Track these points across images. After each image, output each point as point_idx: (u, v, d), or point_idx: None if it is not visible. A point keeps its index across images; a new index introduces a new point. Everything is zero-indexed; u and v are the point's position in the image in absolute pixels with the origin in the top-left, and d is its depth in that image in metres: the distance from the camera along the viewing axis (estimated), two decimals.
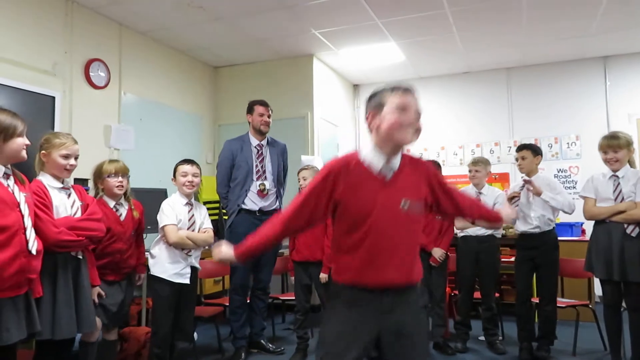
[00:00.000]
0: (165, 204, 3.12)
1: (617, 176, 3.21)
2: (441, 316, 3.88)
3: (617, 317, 3.23)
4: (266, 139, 3.94)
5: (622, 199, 3.15)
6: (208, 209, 5.10)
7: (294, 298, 4.11)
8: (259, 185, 3.80)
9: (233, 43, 5.28)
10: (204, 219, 3.25)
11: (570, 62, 5.97)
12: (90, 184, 3.15)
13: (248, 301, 3.90)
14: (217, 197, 4.28)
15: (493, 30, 5.02)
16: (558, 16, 4.68)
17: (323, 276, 3.59)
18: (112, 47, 4.59)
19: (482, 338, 4.09)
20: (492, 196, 3.93)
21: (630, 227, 3.10)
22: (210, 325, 4.16)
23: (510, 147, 6.07)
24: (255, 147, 3.88)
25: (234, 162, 3.82)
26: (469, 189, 4.04)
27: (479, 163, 4.02)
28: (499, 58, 5.84)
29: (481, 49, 5.54)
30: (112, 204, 2.93)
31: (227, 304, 3.88)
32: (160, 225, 3.05)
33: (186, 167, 3.18)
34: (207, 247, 3.23)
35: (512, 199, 3.58)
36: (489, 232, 3.91)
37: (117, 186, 2.92)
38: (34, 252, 2.19)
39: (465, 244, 3.97)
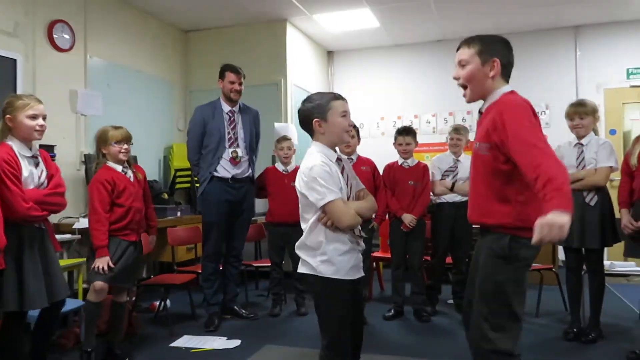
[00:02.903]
0: (318, 169, 1.96)
1: (581, 144, 3.29)
2: (419, 283, 3.95)
3: (577, 280, 3.36)
4: (238, 105, 3.88)
5: (584, 166, 3.23)
6: (179, 176, 5.12)
7: (267, 265, 4.20)
8: (232, 153, 3.76)
9: (204, 6, 5.13)
10: (355, 177, 2.19)
11: (543, 32, 6.01)
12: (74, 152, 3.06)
13: (221, 268, 3.92)
14: (188, 165, 4.23)
15: None
16: None
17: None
18: (76, 8, 4.40)
19: (450, 301, 4.23)
20: (469, 164, 3.97)
21: (589, 196, 3.19)
22: (183, 292, 4.18)
23: None
24: (227, 113, 3.82)
25: (205, 128, 3.76)
26: (445, 157, 4.06)
27: (462, 130, 4.05)
28: (473, 26, 5.81)
29: (455, 16, 5.51)
30: (119, 168, 2.98)
31: (200, 272, 3.90)
32: (321, 202, 1.94)
33: (345, 104, 2.09)
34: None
35: None
36: (465, 199, 3.96)
37: (122, 152, 2.96)
38: None
39: (442, 211, 4.01)
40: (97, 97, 4.52)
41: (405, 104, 6.45)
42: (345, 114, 2.06)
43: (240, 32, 5.70)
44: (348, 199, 2.04)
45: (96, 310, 2.91)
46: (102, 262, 2.80)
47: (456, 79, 1.92)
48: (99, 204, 2.83)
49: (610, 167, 3.18)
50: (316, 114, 2.04)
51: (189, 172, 4.87)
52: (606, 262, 3.65)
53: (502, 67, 1.85)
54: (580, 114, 3.24)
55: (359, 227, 2.06)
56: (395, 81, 6.52)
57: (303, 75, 6.00)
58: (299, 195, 2.04)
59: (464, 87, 1.91)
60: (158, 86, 5.43)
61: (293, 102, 5.70)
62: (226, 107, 3.83)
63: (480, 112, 1.91)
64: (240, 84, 3.81)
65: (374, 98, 6.56)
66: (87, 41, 4.50)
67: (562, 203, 1.50)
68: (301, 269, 2.05)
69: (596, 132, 3.34)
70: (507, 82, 1.89)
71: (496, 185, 1.78)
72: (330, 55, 6.81)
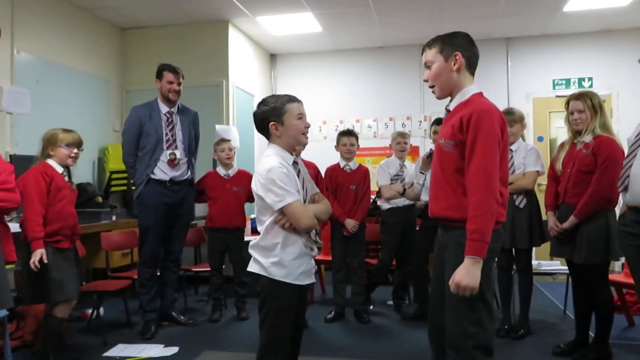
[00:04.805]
0: (276, 171, 1.94)
1: (511, 150, 3.45)
2: (359, 284, 4.00)
3: (508, 279, 3.53)
4: (177, 106, 3.79)
5: (514, 170, 3.40)
6: (115, 179, 4.92)
7: (206, 270, 4.13)
8: (170, 155, 3.66)
9: (142, 2, 4.97)
10: (311, 181, 2.20)
11: (478, 42, 6.16)
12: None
13: (159, 273, 3.81)
14: (124, 167, 4.07)
15: (408, 5, 5.13)
16: None
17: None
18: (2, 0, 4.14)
19: (390, 302, 4.31)
20: (412, 168, 4.09)
21: (519, 199, 3.37)
22: (118, 299, 4.02)
23: (421, 121, 6.32)
24: (165, 114, 3.71)
25: (142, 129, 3.64)
26: (392, 161, 4.13)
27: (407, 136, 4.17)
28: (413, 34, 6.00)
29: (396, 23, 5.65)
30: (59, 169, 2.89)
31: (136, 277, 3.76)
32: (280, 204, 1.93)
33: (300, 106, 2.14)
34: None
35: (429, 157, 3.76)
36: (411, 202, 4.05)
37: (72, 157, 2.91)
38: None
39: (394, 216, 4.06)
40: (24, 94, 4.27)
41: (347, 109, 6.53)
42: (302, 116, 2.07)
43: (180, 31, 5.58)
44: (304, 203, 2.03)
45: (59, 326, 2.91)
46: (39, 255, 2.69)
47: (426, 80, 1.96)
48: (37, 195, 2.73)
49: (537, 171, 3.39)
50: (272, 117, 2.04)
51: (125, 175, 4.69)
52: (534, 262, 3.85)
53: (466, 59, 1.90)
54: (510, 122, 3.40)
55: (315, 232, 2.06)
56: (338, 86, 6.60)
57: (245, 78, 5.94)
58: (255, 197, 2.02)
59: (433, 86, 1.94)
60: (92, 84, 5.21)
61: (235, 104, 5.63)
62: (164, 108, 3.73)
63: (447, 110, 1.94)
64: (179, 84, 3.72)
65: (317, 102, 6.58)
66: (15, 35, 4.24)
67: (474, 249, 1.69)
68: (251, 268, 2.03)
69: (523, 138, 3.54)
70: (473, 75, 1.93)
71: (463, 181, 1.81)
72: (273, 58, 6.79)
